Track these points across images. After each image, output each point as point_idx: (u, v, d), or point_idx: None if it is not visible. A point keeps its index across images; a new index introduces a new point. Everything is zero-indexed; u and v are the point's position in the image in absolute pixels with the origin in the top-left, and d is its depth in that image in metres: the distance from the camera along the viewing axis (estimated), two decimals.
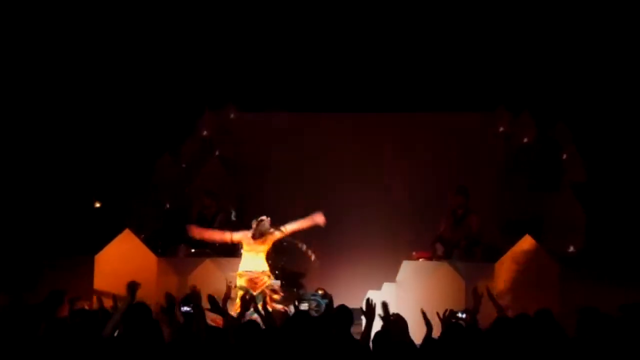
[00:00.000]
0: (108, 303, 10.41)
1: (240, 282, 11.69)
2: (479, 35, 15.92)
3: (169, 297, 8.96)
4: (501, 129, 16.04)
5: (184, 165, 16.13)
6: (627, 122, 14.89)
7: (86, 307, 10.19)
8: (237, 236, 12.01)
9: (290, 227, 11.95)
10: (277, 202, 15.24)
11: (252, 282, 11.71)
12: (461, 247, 12.73)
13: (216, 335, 7.31)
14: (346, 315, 7.88)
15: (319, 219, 11.85)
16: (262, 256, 11.89)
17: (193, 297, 8.68)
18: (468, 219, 12.91)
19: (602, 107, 15.16)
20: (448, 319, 8.35)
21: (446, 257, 12.65)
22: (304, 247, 12.10)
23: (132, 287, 8.19)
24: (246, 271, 11.80)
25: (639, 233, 13.57)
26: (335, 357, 6.99)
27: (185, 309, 8.44)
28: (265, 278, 11.78)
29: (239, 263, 12.25)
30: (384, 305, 8.29)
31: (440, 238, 12.92)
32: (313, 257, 12.11)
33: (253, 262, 11.85)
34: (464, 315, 8.90)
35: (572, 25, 15.33)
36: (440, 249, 12.81)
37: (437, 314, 8.23)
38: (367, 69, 16.23)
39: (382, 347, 7.12)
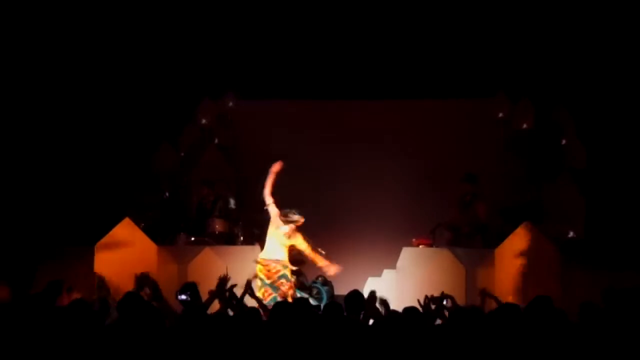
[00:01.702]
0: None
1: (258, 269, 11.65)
2: (476, 20, 15.86)
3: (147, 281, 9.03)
4: (500, 114, 16.01)
5: (182, 154, 16.10)
6: (627, 108, 14.86)
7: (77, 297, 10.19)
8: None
9: (266, 192, 11.85)
10: (277, 190, 15.22)
11: (268, 270, 11.65)
12: (463, 232, 12.78)
13: (217, 323, 7.31)
14: (358, 300, 7.96)
15: (275, 168, 11.78)
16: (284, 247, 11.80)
17: (221, 285, 8.74)
18: (475, 206, 12.96)
19: (601, 92, 15.11)
20: (427, 305, 8.38)
21: (453, 243, 12.68)
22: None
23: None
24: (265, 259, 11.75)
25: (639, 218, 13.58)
26: (344, 342, 6.98)
27: (182, 297, 8.41)
28: (280, 267, 11.66)
29: (238, 251, 12.30)
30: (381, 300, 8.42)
31: (448, 225, 12.97)
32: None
33: (274, 251, 11.78)
34: (444, 302, 8.88)
35: (571, 8, 15.29)
36: (448, 235, 12.86)
37: (418, 300, 8.26)
38: (366, 56, 16.17)
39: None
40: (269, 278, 11.39)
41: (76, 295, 10.01)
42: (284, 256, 11.60)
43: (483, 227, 12.93)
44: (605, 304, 8.12)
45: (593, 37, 15.17)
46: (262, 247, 12.87)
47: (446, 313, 8.58)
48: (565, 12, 15.34)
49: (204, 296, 8.88)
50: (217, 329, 7.12)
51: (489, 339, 6.83)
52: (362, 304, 8.08)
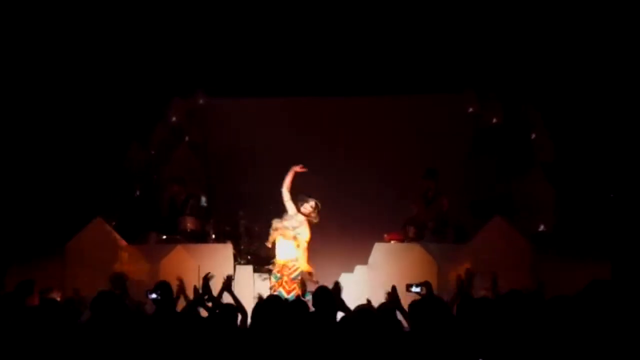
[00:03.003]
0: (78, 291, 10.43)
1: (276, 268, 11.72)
2: (444, 16, 15.91)
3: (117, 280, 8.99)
4: (470, 109, 16.08)
5: (153, 152, 16.04)
6: (594, 100, 14.96)
7: (57, 298, 10.15)
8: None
9: (285, 188, 11.92)
10: (248, 187, 15.22)
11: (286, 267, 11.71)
12: (430, 228, 12.83)
13: (192, 322, 7.31)
14: (326, 295, 7.97)
15: (297, 168, 11.88)
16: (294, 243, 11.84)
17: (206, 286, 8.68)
18: (438, 201, 13.03)
19: (569, 85, 15.20)
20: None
21: (418, 238, 12.73)
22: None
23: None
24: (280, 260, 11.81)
25: (609, 210, 13.67)
26: (315, 338, 6.99)
27: (153, 296, 8.36)
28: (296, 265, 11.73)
29: (210, 249, 12.28)
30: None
31: (412, 220, 13.02)
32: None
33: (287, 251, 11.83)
34: (419, 289, 8.86)
35: (538, 4, 15.37)
36: (412, 230, 12.90)
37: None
38: (336, 53, 16.18)
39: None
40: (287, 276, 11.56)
41: (54, 295, 9.99)
42: (296, 254, 11.68)
43: (446, 222, 13.01)
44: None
45: (559, 32, 15.26)
46: (234, 245, 12.91)
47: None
48: (532, 7, 15.42)
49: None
50: (190, 328, 7.11)
51: (464, 332, 6.86)
52: (332, 299, 8.10)
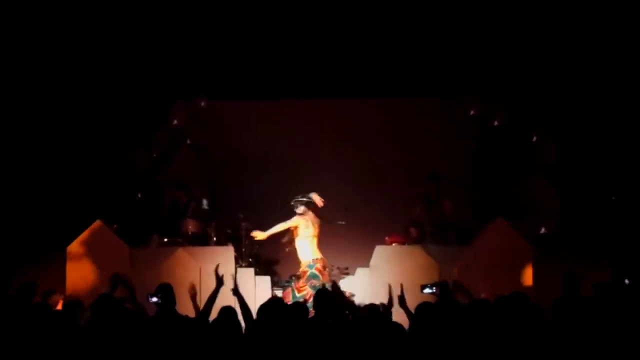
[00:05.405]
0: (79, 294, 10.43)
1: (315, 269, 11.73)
2: (445, 18, 15.91)
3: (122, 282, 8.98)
4: (472, 112, 16.08)
5: (155, 155, 16.05)
6: (596, 103, 14.96)
7: (59, 301, 10.16)
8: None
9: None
10: (249, 190, 15.23)
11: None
12: (427, 232, 12.82)
13: (190, 325, 7.30)
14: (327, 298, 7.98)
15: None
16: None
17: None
18: (441, 203, 13.02)
19: (571, 87, 15.21)
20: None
21: (419, 241, 12.72)
22: None
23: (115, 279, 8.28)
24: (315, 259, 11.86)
25: (611, 213, 13.67)
26: (313, 341, 7.00)
27: (154, 299, 8.35)
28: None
29: (212, 252, 12.28)
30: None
31: (415, 222, 13.01)
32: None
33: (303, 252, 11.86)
34: (434, 289, 8.78)
35: (541, 6, 15.38)
36: (414, 232, 12.89)
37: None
38: (338, 55, 16.18)
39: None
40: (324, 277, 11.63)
41: (56, 298, 10.01)
42: (312, 256, 11.81)
43: (449, 225, 13.00)
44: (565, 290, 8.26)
45: (561, 34, 15.26)
46: (235, 248, 12.89)
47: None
48: (535, 11, 15.42)
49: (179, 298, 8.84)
50: (191, 331, 7.11)
51: (463, 334, 6.87)
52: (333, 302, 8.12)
